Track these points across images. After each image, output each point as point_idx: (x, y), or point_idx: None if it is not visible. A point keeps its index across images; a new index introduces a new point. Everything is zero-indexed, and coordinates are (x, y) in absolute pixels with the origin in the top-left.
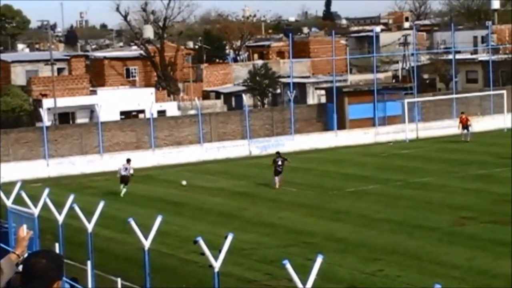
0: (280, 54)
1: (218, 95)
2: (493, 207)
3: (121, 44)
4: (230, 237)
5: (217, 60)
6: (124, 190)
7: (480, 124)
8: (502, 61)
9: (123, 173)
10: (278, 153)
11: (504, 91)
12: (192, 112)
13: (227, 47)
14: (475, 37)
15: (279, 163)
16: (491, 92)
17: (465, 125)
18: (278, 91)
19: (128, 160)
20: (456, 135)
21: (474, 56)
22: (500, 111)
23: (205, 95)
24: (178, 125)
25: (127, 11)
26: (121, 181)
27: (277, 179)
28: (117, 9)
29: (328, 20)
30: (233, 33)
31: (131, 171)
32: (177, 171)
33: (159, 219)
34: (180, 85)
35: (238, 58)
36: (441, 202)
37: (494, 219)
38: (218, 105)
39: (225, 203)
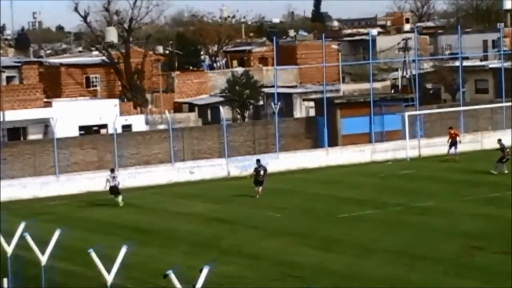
0: (263, 60)
1: (192, 107)
2: (506, 235)
3: (80, 49)
4: (205, 270)
5: (191, 68)
6: (120, 198)
7: (491, 140)
8: None
9: (111, 183)
10: (258, 160)
11: None
12: (162, 126)
13: (202, 53)
14: (485, 41)
15: (261, 172)
16: (504, 104)
17: (453, 141)
18: (261, 102)
19: (112, 170)
20: (464, 153)
21: (484, 63)
22: None
23: (177, 107)
24: (146, 141)
25: (87, 11)
26: (111, 193)
27: (257, 189)
28: (76, 9)
29: (318, 21)
30: (209, 37)
31: (119, 179)
32: (145, 194)
33: (124, 250)
34: (148, 96)
35: (215, 65)
36: (447, 230)
37: (508, 249)
38: (192, 118)
39: (200, 230)
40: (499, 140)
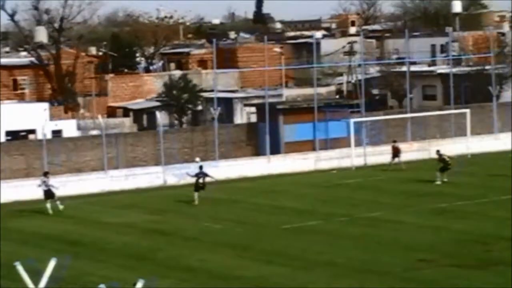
0: (202, 63)
1: (126, 112)
2: (454, 247)
3: (7, 49)
4: (140, 284)
5: (126, 70)
6: (58, 203)
7: (440, 148)
8: (465, 74)
9: (45, 188)
10: (201, 167)
11: (467, 110)
12: (95, 132)
13: (138, 55)
14: (433, 46)
15: (200, 180)
16: (452, 111)
17: (396, 153)
18: (200, 107)
19: (46, 173)
20: (412, 162)
21: (432, 68)
22: (462, 134)
23: (111, 112)
24: (77, 148)
25: (14, 10)
26: (46, 198)
27: (197, 195)
28: (2, 7)
29: (260, 23)
30: (146, 38)
31: (51, 183)
32: (77, 203)
33: (52, 263)
34: (80, 99)
35: (151, 67)
36: (394, 242)
37: (456, 263)
38: (126, 124)
39: (135, 242)
40: (437, 151)
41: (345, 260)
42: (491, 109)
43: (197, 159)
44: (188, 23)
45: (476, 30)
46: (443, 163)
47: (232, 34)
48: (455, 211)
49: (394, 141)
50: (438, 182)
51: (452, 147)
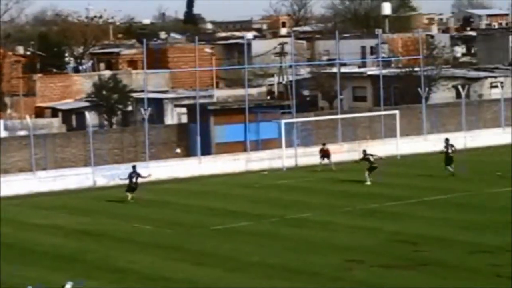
0: (132, 63)
1: (55, 112)
2: (384, 248)
3: None
4: (69, 286)
5: (55, 70)
6: None
7: (370, 150)
8: (394, 76)
9: None
10: (134, 167)
11: (397, 112)
12: (23, 133)
13: (67, 54)
14: (363, 48)
15: (133, 180)
16: (382, 113)
17: (325, 155)
18: (130, 108)
19: None
20: (342, 163)
21: (362, 70)
22: (392, 135)
23: (39, 112)
24: (4, 148)
25: None
26: None
27: (130, 195)
28: None
29: (191, 23)
30: (75, 37)
31: None
32: (4, 205)
33: None
34: (8, 99)
35: (80, 67)
36: (325, 242)
37: (386, 263)
38: (55, 124)
39: (63, 244)
40: (364, 151)
41: (276, 261)
42: (420, 110)
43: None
44: (118, 23)
45: (405, 32)
46: (368, 162)
47: (163, 35)
48: (385, 212)
49: (324, 144)
50: (368, 183)
51: (382, 148)
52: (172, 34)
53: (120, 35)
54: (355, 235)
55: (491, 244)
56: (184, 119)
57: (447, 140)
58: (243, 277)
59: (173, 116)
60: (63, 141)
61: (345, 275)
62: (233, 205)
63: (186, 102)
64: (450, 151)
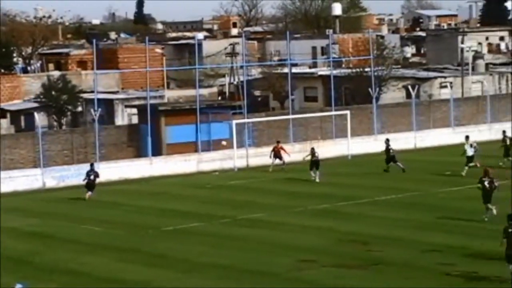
0: (82, 64)
1: (3, 113)
2: (336, 248)
3: None
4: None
5: (3, 71)
6: None
7: (321, 150)
8: (345, 76)
9: None
10: (92, 164)
11: (348, 112)
12: None
13: (15, 55)
14: (314, 48)
15: (91, 177)
16: (333, 113)
17: (277, 155)
18: (80, 109)
19: None
20: (294, 163)
21: (313, 70)
22: (343, 135)
23: None
24: None
25: None
26: None
27: (89, 193)
28: None
29: (141, 24)
30: (23, 38)
31: None
32: None
33: None
34: None
35: (29, 68)
36: (276, 243)
37: (338, 263)
38: (3, 125)
39: (12, 246)
40: (312, 149)
41: (228, 261)
42: (371, 110)
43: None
44: (67, 23)
45: (355, 32)
46: (312, 156)
47: (113, 35)
48: (336, 212)
49: (278, 142)
50: (316, 180)
51: (333, 148)
52: (122, 35)
53: (69, 36)
54: (307, 235)
55: (441, 243)
56: (135, 120)
57: (387, 140)
58: (195, 278)
59: (124, 117)
60: (12, 142)
61: (297, 275)
62: (184, 206)
63: (136, 102)
64: (391, 150)
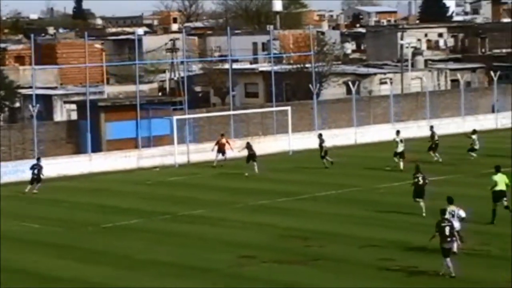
0: (20, 59)
1: None
2: (276, 243)
3: None
4: None
5: None
6: None
7: (262, 146)
8: (286, 72)
9: None
10: (38, 159)
11: (289, 108)
12: None
13: None
14: (255, 44)
15: (35, 171)
16: (274, 109)
17: (222, 149)
18: (17, 104)
19: None
20: (235, 159)
21: (254, 66)
22: (284, 131)
23: None
24: None
25: None
26: None
27: (34, 187)
28: None
29: (80, 19)
30: None
31: None
32: None
33: None
34: None
35: None
36: (217, 239)
37: (278, 258)
38: None
39: None
40: (247, 143)
41: (169, 258)
42: (312, 106)
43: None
44: (4, 18)
45: (296, 29)
46: (250, 150)
47: (51, 30)
48: (276, 208)
49: (222, 135)
50: (256, 171)
51: (274, 144)
52: (61, 30)
53: (6, 30)
54: (247, 231)
55: (380, 239)
56: (74, 116)
57: (320, 135)
58: (135, 275)
59: (63, 112)
60: None
61: (237, 271)
62: (124, 203)
63: (76, 98)
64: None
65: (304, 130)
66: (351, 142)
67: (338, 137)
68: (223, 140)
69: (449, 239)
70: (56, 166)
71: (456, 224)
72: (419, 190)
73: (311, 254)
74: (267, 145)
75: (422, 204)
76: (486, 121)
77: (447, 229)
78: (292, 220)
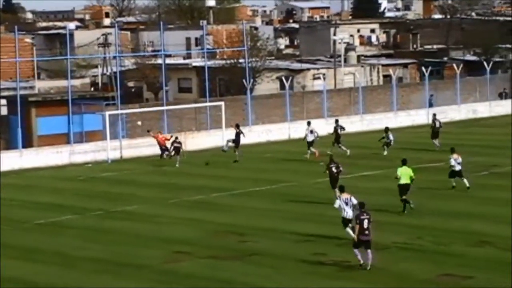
0: None
1: None
2: (211, 239)
3: None
4: None
5: None
6: None
7: (195, 141)
8: (219, 67)
9: None
10: None
11: (222, 103)
12: None
13: None
14: (188, 39)
15: None
16: (207, 104)
17: (163, 146)
18: None
19: None
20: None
21: (187, 61)
22: (218, 126)
23: None
24: None
25: None
26: None
27: None
28: None
29: (9, 13)
30: None
31: None
32: None
33: None
34: None
35: None
36: (152, 235)
37: (213, 254)
38: None
39: None
40: (175, 138)
41: (102, 254)
42: (245, 102)
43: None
44: None
45: (229, 24)
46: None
47: None
48: (211, 203)
49: (160, 132)
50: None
51: (208, 139)
52: None
53: None
54: (182, 227)
55: (314, 234)
56: (4, 111)
57: (237, 124)
58: (68, 272)
59: None
60: None
61: (172, 267)
62: (57, 199)
63: (6, 93)
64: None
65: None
66: (284, 137)
67: (272, 132)
68: (161, 137)
69: (366, 231)
70: None
71: (350, 213)
72: (333, 180)
73: (246, 249)
74: (200, 140)
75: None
76: (418, 117)
77: (365, 222)
78: (227, 216)
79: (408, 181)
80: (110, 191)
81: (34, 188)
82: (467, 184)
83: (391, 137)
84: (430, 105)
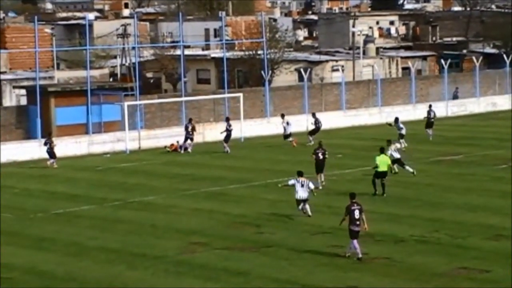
0: None
1: None
2: (227, 230)
3: None
4: None
5: None
6: None
7: (214, 132)
8: (238, 58)
9: None
10: None
11: (241, 94)
12: None
13: None
14: (207, 30)
15: None
16: (226, 95)
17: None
18: None
19: None
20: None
21: (206, 52)
22: (236, 117)
23: None
24: None
25: None
26: None
27: None
28: None
29: (29, 3)
30: None
31: None
32: None
33: None
34: None
35: None
36: (168, 226)
37: (228, 245)
38: None
39: None
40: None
41: (119, 245)
42: (263, 93)
43: None
44: None
45: (248, 15)
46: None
47: (0, 14)
48: (228, 195)
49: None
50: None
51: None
52: (10, 14)
53: None
54: (199, 218)
55: (330, 226)
56: (24, 101)
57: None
58: (84, 262)
59: (12, 97)
60: None
61: (188, 258)
62: (75, 189)
63: (25, 83)
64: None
65: (256, 117)
66: (302, 129)
67: (290, 124)
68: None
69: (358, 222)
70: (6, 152)
71: (302, 194)
72: (319, 165)
73: (263, 241)
74: (219, 131)
75: (322, 176)
76: (436, 109)
77: (356, 213)
78: (244, 207)
79: (386, 169)
80: (128, 182)
81: (52, 178)
82: (411, 170)
83: (401, 126)
84: (455, 97)
